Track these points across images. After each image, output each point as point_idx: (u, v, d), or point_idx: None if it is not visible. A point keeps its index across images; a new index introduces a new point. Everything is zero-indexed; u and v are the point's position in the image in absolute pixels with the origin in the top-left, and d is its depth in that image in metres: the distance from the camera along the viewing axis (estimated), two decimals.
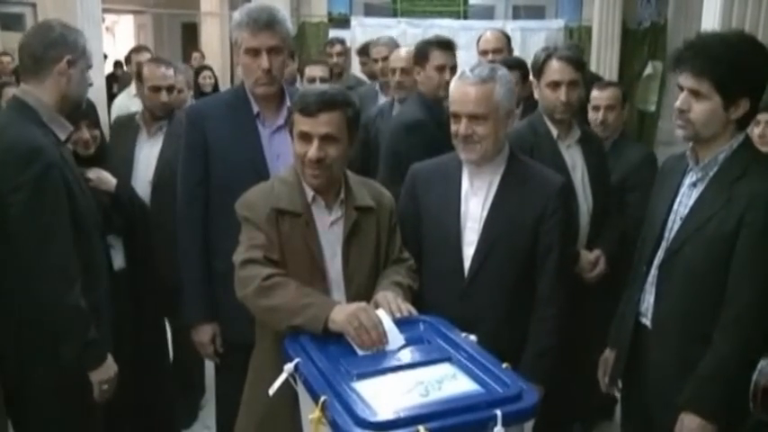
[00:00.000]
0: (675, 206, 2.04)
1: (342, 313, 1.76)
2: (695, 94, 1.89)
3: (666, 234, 2.04)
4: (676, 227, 2.01)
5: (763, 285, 1.83)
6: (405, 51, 3.59)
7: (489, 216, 2.14)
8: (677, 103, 1.94)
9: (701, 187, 1.98)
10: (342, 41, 5.17)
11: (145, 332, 2.77)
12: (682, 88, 1.93)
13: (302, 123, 1.90)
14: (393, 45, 4.41)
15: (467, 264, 2.15)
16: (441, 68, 3.05)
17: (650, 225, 2.14)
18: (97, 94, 4.88)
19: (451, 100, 2.14)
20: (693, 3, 6.33)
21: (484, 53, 3.83)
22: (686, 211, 1.99)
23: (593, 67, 6.91)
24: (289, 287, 1.84)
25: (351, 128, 1.95)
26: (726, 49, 1.87)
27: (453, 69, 2.99)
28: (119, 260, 2.72)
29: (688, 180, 2.03)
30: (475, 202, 2.17)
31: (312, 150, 1.89)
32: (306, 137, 1.90)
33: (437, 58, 3.06)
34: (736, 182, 1.89)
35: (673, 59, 1.97)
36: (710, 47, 1.88)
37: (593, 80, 3.70)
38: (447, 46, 3.12)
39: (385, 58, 4.23)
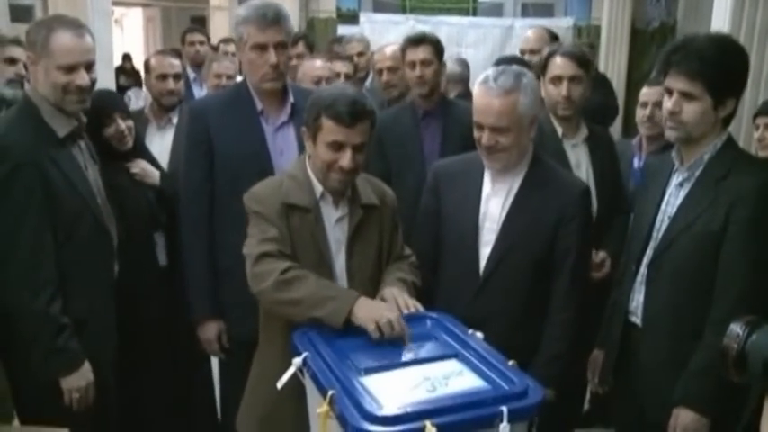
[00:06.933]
0: (663, 206, 2.08)
1: (365, 310, 1.78)
2: (687, 95, 1.93)
3: (655, 234, 2.08)
4: (664, 226, 2.05)
5: (752, 279, 1.88)
6: (390, 50, 3.56)
7: (508, 217, 2.14)
8: (669, 106, 1.98)
9: (687, 187, 2.03)
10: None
11: (184, 332, 2.68)
12: (670, 91, 1.97)
13: (336, 133, 1.88)
14: (366, 42, 4.45)
15: (482, 263, 2.15)
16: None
17: (638, 225, 2.19)
18: (107, 86, 4.89)
19: (475, 109, 2.12)
20: (703, 3, 6.30)
21: (521, 53, 3.83)
22: (674, 210, 2.04)
23: (601, 67, 6.88)
24: (308, 280, 1.84)
25: (372, 133, 1.98)
26: (715, 51, 1.92)
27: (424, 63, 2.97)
28: (162, 257, 2.72)
29: (674, 180, 2.08)
30: (495, 203, 2.17)
31: (347, 160, 1.89)
32: (338, 146, 1.89)
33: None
34: (722, 180, 1.94)
35: (661, 63, 2.00)
36: (701, 49, 1.92)
37: (598, 79, 3.68)
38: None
39: (360, 55, 4.27)
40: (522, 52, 3.86)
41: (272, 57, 2.32)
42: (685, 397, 1.94)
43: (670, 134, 2.02)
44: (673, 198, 2.06)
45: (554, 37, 3.88)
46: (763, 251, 1.89)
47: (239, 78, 3.37)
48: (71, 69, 2.09)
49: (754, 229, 1.88)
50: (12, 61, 3.08)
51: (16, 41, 3.11)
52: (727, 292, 1.89)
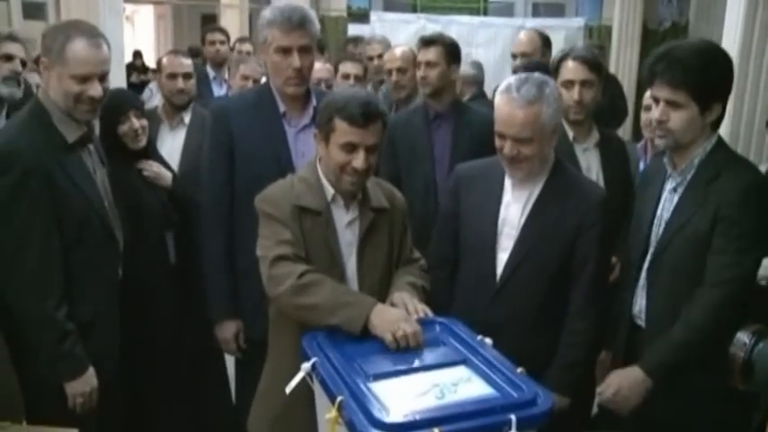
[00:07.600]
0: (659, 211, 2.11)
1: (383, 319, 1.78)
2: (672, 104, 1.96)
3: (653, 238, 2.11)
4: (661, 231, 2.08)
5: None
6: (399, 51, 3.56)
7: (527, 223, 2.13)
8: (656, 115, 2.00)
9: (680, 191, 2.06)
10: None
11: (195, 330, 2.70)
12: (657, 99, 1.99)
13: (349, 134, 1.89)
14: (387, 44, 4.40)
15: (500, 269, 2.15)
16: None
17: (637, 230, 2.20)
18: (119, 84, 4.90)
19: (497, 119, 2.10)
20: (716, 3, 6.26)
21: (513, 56, 3.83)
22: (668, 215, 2.07)
23: (612, 67, 6.85)
24: (324, 285, 1.85)
25: (383, 134, 1.98)
26: (697, 58, 1.94)
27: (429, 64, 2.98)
28: (171, 256, 2.72)
29: (668, 186, 2.11)
30: (515, 209, 2.16)
31: (360, 161, 1.89)
32: (352, 147, 1.89)
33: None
34: (712, 182, 1.97)
35: (646, 73, 2.02)
36: (683, 58, 1.94)
37: (607, 80, 3.65)
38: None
39: (380, 57, 4.22)
40: (514, 55, 3.81)
41: (295, 60, 2.30)
42: (647, 361, 1.99)
43: (659, 142, 2.05)
44: (667, 203, 2.09)
45: (546, 40, 3.84)
46: (749, 249, 1.92)
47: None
48: (85, 79, 2.08)
49: (739, 227, 1.91)
50: (8, 58, 2.96)
51: (12, 37, 3.01)
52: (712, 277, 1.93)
